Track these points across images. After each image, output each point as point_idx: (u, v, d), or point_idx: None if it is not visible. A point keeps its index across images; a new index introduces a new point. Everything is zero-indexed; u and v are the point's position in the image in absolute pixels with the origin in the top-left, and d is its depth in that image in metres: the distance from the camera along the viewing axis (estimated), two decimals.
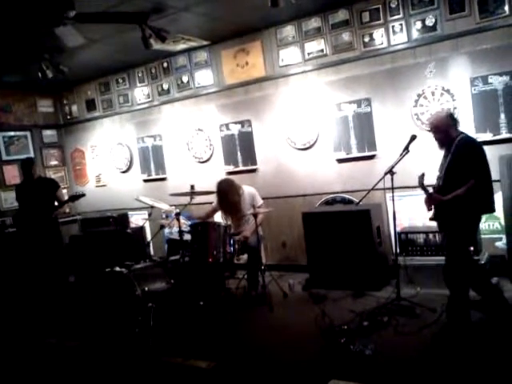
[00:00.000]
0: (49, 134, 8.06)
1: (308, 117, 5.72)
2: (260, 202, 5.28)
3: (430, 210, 3.77)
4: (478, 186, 3.50)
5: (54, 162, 8.07)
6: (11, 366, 4.11)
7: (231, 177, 5.77)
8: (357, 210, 4.98)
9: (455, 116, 3.90)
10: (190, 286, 4.74)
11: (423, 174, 3.70)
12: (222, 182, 5.28)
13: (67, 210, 7.56)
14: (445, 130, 3.70)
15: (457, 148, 3.62)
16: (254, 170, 6.23)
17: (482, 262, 4.41)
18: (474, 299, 3.82)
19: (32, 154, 7.63)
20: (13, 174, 7.46)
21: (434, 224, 3.88)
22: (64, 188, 7.52)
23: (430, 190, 3.73)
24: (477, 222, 3.74)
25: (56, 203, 5.98)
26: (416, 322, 3.87)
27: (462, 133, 3.73)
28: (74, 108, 7.98)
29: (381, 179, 4.16)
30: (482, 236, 4.70)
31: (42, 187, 6.00)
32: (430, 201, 3.73)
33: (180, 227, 4.92)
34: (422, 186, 3.69)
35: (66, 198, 6.21)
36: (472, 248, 3.89)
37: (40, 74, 5.65)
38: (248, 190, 5.33)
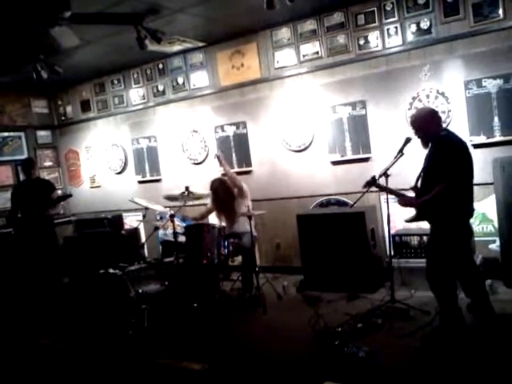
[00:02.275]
0: (43, 135, 8.03)
1: (303, 119, 5.73)
2: (248, 201, 5.24)
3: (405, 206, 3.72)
4: (455, 189, 3.33)
5: (48, 163, 8.04)
6: (3, 367, 4.08)
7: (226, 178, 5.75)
8: (351, 213, 4.98)
9: (439, 114, 3.73)
10: (184, 288, 4.73)
11: (373, 177, 3.68)
12: (214, 181, 5.38)
13: (61, 212, 7.52)
14: (424, 127, 3.55)
15: (435, 147, 3.49)
16: (248, 172, 6.22)
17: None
18: (468, 303, 3.83)
19: (26, 155, 7.60)
20: (6, 175, 7.43)
21: (427, 226, 3.87)
22: (58, 189, 7.47)
23: (409, 192, 3.71)
24: (461, 228, 3.54)
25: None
26: (410, 325, 3.86)
27: (444, 130, 3.60)
28: (69, 109, 7.95)
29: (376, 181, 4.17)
30: (476, 238, 4.71)
31: (38, 188, 5.98)
32: (402, 203, 3.69)
33: (174, 229, 4.92)
34: (379, 187, 3.66)
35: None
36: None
37: (35, 75, 5.62)
38: None
